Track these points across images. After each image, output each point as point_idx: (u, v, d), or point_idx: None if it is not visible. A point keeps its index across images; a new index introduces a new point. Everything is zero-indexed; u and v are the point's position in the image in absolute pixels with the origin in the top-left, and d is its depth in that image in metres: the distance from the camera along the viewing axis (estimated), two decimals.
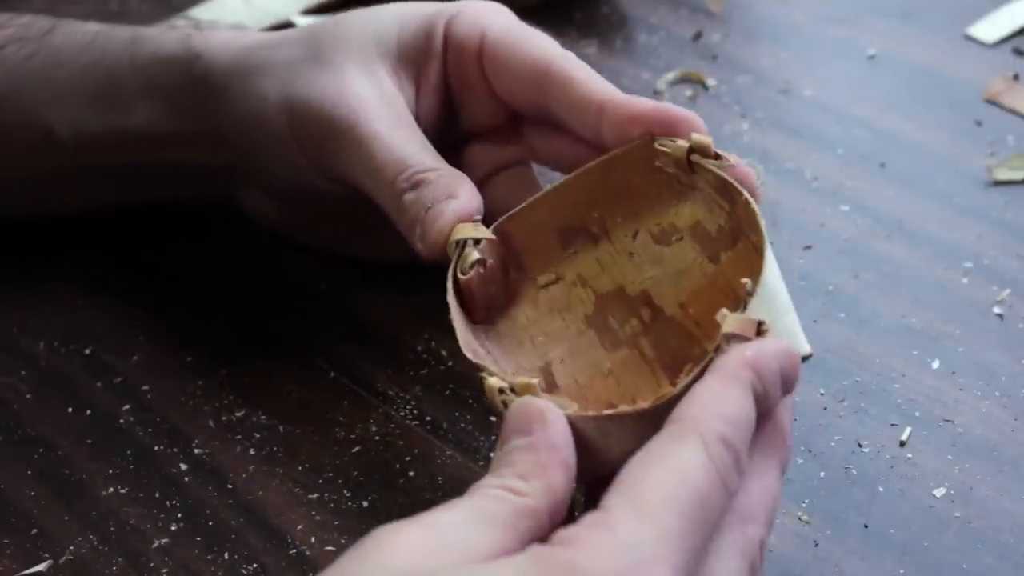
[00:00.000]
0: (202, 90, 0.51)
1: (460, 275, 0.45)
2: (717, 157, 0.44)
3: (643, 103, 0.46)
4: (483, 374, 0.41)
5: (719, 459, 0.35)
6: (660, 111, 0.46)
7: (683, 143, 0.45)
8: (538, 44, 0.49)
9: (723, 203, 0.45)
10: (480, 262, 0.45)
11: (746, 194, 0.43)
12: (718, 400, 0.36)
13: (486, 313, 0.46)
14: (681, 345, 0.45)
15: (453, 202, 0.45)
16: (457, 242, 0.45)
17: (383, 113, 0.48)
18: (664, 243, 0.47)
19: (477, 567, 0.33)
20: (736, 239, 0.45)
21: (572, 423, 0.38)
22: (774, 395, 0.37)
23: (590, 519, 0.34)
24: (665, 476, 0.34)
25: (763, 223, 0.41)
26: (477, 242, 0.45)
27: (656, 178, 0.47)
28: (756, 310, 0.39)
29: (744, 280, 0.40)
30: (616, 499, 0.34)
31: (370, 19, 0.51)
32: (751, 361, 0.37)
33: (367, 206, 0.51)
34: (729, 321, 0.38)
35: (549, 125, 0.50)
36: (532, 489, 0.36)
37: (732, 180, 0.43)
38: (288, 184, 0.52)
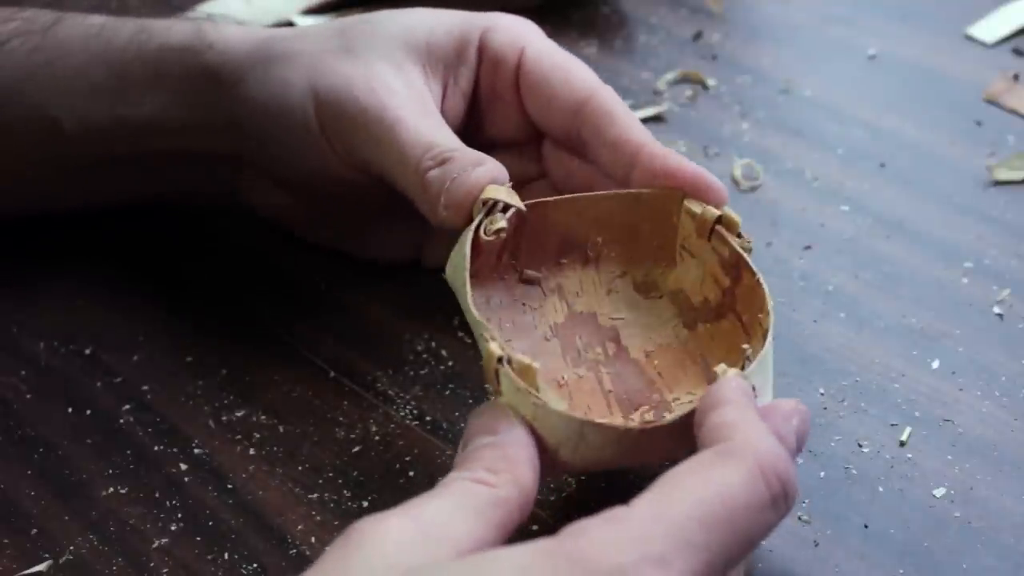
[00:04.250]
0: (215, 79, 0.51)
1: (483, 235, 0.44)
2: (739, 236, 0.45)
3: (680, 160, 0.47)
4: (485, 335, 0.40)
5: (774, 486, 0.35)
6: (697, 173, 0.46)
7: (714, 210, 0.46)
8: (579, 72, 0.50)
9: (723, 279, 0.46)
10: (503, 231, 0.45)
11: (760, 277, 0.44)
12: (769, 436, 0.36)
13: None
14: (641, 387, 0.46)
15: (481, 167, 0.46)
16: (485, 202, 0.45)
17: (411, 103, 0.48)
18: (643, 294, 0.48)
19: (478, 562, 0.33)
20: (722, 315, 0.46)
21: (551, 417, 0.38)
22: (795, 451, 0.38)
23: (609, 513, 0.34)
24: (700, 487, 0.34)
25: (771, 304, 0.43)
26: (504, 210, 0.45)
27: (664, 232, 0.47)
28: (752, 375, 0.40)
29: (744, 346, 0.42)
30: (642, 498, 0.34)
31: (399, 20, 0.51)
32: (798, 411, 0.39)
33: (379, 197, 0.51)
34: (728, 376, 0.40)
35: (570, 150, 0.50)
36: (502, 481, 0.37)
37: (749, 260, 0.45)
38: (301, 173, 0.52)
